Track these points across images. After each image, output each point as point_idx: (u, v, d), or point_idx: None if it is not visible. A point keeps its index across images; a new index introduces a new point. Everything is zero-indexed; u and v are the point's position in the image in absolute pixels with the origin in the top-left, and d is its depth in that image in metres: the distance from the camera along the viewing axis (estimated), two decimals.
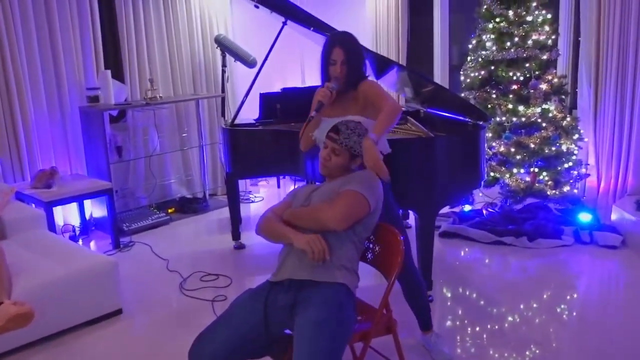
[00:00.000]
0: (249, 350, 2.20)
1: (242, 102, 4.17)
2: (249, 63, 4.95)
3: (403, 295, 2.72)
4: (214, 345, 2.12)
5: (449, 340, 2.89)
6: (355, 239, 2.27)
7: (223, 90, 5.20)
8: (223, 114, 5.15)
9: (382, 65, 3.74)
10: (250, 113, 4.38)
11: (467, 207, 4.68)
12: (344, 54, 2.60)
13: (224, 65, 5.13)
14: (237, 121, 4.19)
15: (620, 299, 3.54)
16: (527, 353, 2.81)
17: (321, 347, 1.95)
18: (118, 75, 4.85)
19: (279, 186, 6.03)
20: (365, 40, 5.31)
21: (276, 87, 4.56)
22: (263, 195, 5.75)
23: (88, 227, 4.67)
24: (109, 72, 4.55)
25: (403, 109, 4.37)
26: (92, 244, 4.52)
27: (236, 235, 4.35)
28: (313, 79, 5.85)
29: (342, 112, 2.67)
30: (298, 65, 5.97)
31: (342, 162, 2.35)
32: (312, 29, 3.71)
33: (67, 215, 4.58)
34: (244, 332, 2.14)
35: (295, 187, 2.58)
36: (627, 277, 3.76)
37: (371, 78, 2.80)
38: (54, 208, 4.05)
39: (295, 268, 2.22)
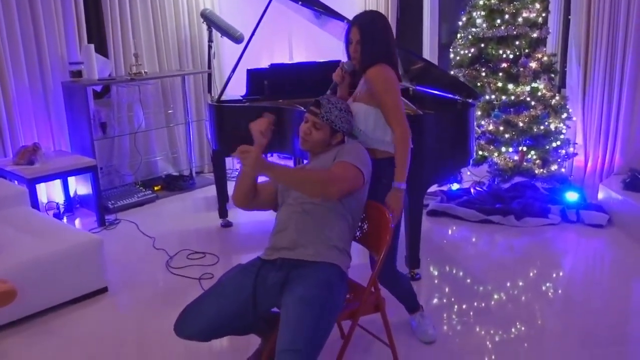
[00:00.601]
0: (234, 326, 2.19)
1: (229, 78, 4.10)
2: (236, 39, 4.86)
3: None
4: (201, 318, 2.11)
5: (435, 318, 2.89)
6: (349, 217, 2.25)
7: (209, 66, 5.12)
8: (209, 90, 5.08)
9: None
10: (237, 90, 4.32)
11: (455, 186, 4.68)
12: (359, 33, 2.47)
13: (210, 40, 5.04)
14: (223, 97, 4.13)
15: (606, 277, 3.57)
16: (513, 330, 2.82)
17: (306, 325, 1.94)
18: (101, 50, 4.75)
19: None
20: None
21: (264, 63, 4.49)
22: None
23: (72, 204, 4.61)
24: (92, 46, 4.45)
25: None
26: (77, 221, 4.46)
27: (223, 213, 4.31)
28: (301, 55, 5.79)
29: (356, 99, 2.55)
30: (286, 41, 5.88)
31: (322, 137, 2.31)
32: (300, 3, 3.64)
33: (50, 192, 4.52)
34: (232, 307, 2.12)
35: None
36: (612, 255, 3.79)
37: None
38: (37, 185, 3.98)
39: (288, 248, 2.20)
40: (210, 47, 5.07)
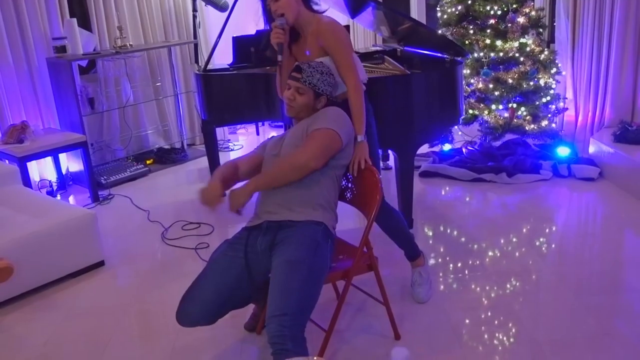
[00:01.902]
0: (235, 301, 2.20)
1: (214, 47, 4.05)
2: (220, 6, 4.80)
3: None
4: (200, 303, 2.11)
5: (431, 277, 2.91)
6: (333, 173, 2.26)
7: (195, 37, 5.06)
8: (196, 61, 5.02)
9: (357, 4, 3.64)
10: (224, 58, 4.28)
11: (447, 146, 4.68)
12: None
13: (194, 10, 4.98)
14: (210, 66, 4.09)
15: (598, 229, 3.60)
16: (508, 286, 2.86)
17: (293, 286, 1.96)
18: (85, 24, 4.67)
19: (258, 133, 5.97)
20: None
21: (250, 30, 4.43)
22: (242, 143, 5.69)
23: (65, 181, 4.60)
24: (74, 20, 4.38)
25: (373, 47, 4.25)
26: (70, 198, 4.46)
27: None
28: None
29: (307, 56, 2.50)
30: None
31: (307, 101, 2.30)
32: None
33: (42, 170, 4.50)
34: (229, 283, 2.13)
35: (266, 138, 2.54)
36: (604, 208, 3.82)
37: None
38: (28, 163, 3.97)
39: (272, 210, 2.21)
40: (194, 16, 5.01)
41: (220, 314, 2.18)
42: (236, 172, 2.33)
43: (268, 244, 2.15)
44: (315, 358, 1.12)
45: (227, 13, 4.11)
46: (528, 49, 4.34)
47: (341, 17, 3.05)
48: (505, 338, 2.45)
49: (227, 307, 2.19)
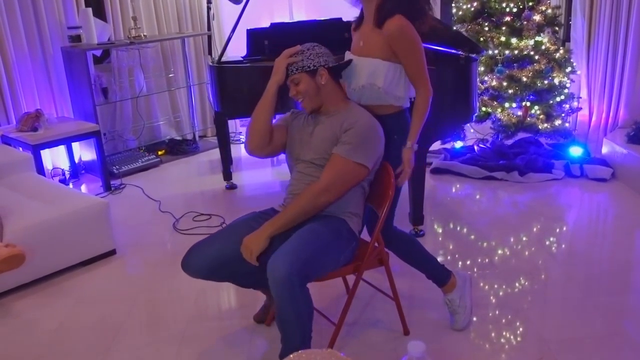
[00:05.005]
0: (236, 270, 2.20)
1: (229, 39, 4.05)
2: None
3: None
4: (203, 256, 2.16)
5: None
6: (365, 184, 2.27)
7: (209, 28, 5.06)
8: (210, 52, 5.03)
9: None
10: (237, 50, 4.28)
11: (459, 144, 4.67)
12: None
13: (208, 1, 4.97)
14: (224, 58, 4.09)
15: (609, 230, 3.59)
16: (517, 284, 2.86)
17: (307, 248, 2.00)
18: (99, 14, 4.69)
19: None
20: None
21: (263, 23, 4.43)
22: None
23: (78, 170, 4.63)
24: (89, 10, 4.40)
25: None
26: (82, 187, 4.49)
27: (227, 176, 4.32)
28: (302, 13, 5.72)
29: (364, 52, 2.32)
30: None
31: (307, 87, 2.20)
32: None
33: (55, 159, 4.54)
34: (236, 248, 2.13)
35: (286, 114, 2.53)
36: (615, 209, 3.80)
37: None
38: (41, 151, 4.00)
39: None
40: (209, 8, 5.00)
41: (217, 274, 2.20)
42: (271, 132, 2.35)
43: (290, 231, 2.15)
44: (328, 350, 1.13)
45: (241, 5, 4.11)
46: (543, 47, 4.31)
47: (351, 12, 2.98)
48: (512, 336, 2.45)
49: (225, 272, 2.20)
